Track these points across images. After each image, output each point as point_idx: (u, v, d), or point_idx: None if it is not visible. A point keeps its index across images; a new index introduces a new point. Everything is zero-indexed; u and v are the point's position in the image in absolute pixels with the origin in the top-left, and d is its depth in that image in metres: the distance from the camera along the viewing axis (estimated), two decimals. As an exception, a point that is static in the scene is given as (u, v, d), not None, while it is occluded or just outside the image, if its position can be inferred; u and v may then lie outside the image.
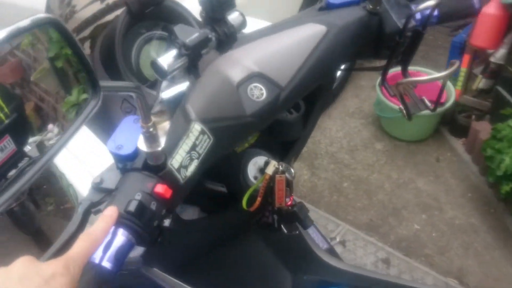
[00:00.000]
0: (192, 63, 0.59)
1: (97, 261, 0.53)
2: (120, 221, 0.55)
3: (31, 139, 0.63)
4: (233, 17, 0.64)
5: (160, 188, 0.57)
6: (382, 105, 2.43)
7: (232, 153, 0.85)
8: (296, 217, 0.89)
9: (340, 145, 2.53)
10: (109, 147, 0.59)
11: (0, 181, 0.53)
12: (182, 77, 0.61)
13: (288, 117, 0.92)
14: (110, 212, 0.55)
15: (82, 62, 0.49)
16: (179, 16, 0.92)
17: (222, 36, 0.62)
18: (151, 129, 0.53)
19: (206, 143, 0.63)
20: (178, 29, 0.57)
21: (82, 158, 1.03)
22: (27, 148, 0.59)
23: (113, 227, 0.55)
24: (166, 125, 0.59)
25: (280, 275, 1.06)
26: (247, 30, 0.93)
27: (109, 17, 0.97)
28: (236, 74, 0.71)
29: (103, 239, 0.53)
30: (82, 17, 0.99)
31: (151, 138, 0.54)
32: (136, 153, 0.59)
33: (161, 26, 0.91)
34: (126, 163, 0.60)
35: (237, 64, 0.72)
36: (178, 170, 0.60)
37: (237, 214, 0.92)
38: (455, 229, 2.08)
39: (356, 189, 2.29)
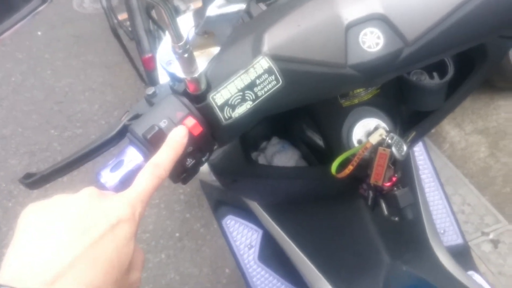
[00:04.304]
0: None
1: (103, 181, 0.49)
2: (136, 143, 0.49)
3: None
4: None
5: (190, 122, 0.48)
6: None
7: (336, 105, 0.71)
8: (394, 202, 0.73)
9: (541, 132, 2.08)
10: (159, 59, 0.52)
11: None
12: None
13: (426, 82, 0.73)
14: (178, 136, 0.48)
15: None
16: None
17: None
18: (180, 51, 0.44)
19: (270, 85, 0.52)
20: None
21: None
22: None
23: (128, 146, 0.50)
24: (213, 50, 0.49)
25: (376, 256, 0.92)
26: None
27: None
28: (351, 11, 0.56)
29: (170, 170, 0.47)
30: None
31: (183, 61, 0.45)
32: None
33: None
34: (175, 82, 0.52)
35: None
36: (221, 108, 0.50)
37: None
38: None
39: (539, 189, 1.89)
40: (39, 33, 2.90)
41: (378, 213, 0.78)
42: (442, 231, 1.24)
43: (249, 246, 1.19)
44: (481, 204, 1.85)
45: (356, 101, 0.71)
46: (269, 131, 0.92)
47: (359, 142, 0.73)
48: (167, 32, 0.48)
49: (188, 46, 0.44)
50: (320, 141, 0.79)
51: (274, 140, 0.91)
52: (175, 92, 0.51)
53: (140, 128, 0.49)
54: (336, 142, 0.74)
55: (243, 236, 1.20)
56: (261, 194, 0.88)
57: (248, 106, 0.51)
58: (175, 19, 0.42)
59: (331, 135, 0.74)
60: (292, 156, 0.88)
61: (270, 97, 0.52)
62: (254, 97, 0.51)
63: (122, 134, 0.53)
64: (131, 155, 0.49)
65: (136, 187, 0.44)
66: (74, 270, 0.37)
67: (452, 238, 1.25)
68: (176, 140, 0.48)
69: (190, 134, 0.48)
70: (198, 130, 0.49)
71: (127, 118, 0.54)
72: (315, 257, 0.96)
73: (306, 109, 0.75)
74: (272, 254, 1.19)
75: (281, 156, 0.88)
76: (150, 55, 1.42)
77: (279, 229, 1.01)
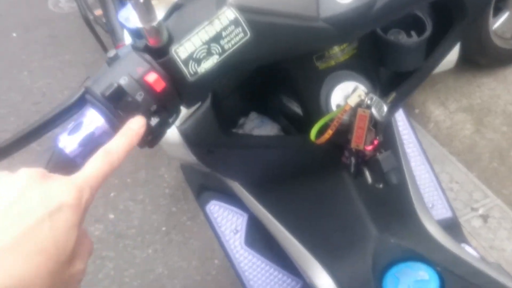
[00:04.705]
0: None
1: (61, 145, 0.45)
2: (95, 103, 0.45)
3: None
4: None
5: (152, 78, 0.45)
6: None
7: (313, 68, 0.68)
8: (377, 167, 0.71)
9: (524, 106, 2.07)
10: (120, 16, 0.49)
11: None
12: None
13: (404, 40, 0.70)
14: (135, 125, 0.45)
15: None
16: None
17: None
18: (135, -6, 0.41)
19: (238, 38, 0.49)
20: None
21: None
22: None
23: (88, 107, 0.46)
24: (171, -3, 0.46)
25: (364, 230, 0.90)
26: None
27: None
28: (320, -41, 0.53)
29: (124, 158, 0.44)
30: None
31: (139, 8, 0.42)
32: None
33: None
34: (135, 39, 0.49)
35: None
36: (186, 62, 0.47)
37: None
38: None
39: (526, 163, 1.88)
40: (14, 34, 2.84)
41: (363, 184, 0.76)
42: (430, 205, 1.22)
43: (234, 231, 1.16)
44: (469, 181, 1.84)
45: (332, 62, 0.68)
46: (247, 107, 0.89)
47: (338, 107, 0.70)
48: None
49: (144, -10, 0.41)
50: (298, 109, 0.77)
51: (253, 116, 0.88)
52: (135, 49, 0.48)
53: (98, 86, 0.45)
54: (314, 108, 0.71)
55: (228, 221, 1.17)
56: (240, 169, 0.85)
57: (215, 61, 0.48)
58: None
59: (309, 101, 0.71)
60: (271, 130, 0.85)
61: (238, 50, 0.49)
62: (220, 50, 0.48)
63: (84, 99, 0.50)
64: (91, 117, 0.46)
65: (85, 171, 0.41)
66: (0, 260, 0.34)
67: (442, 212, 1.24)
68: (132, 128, 0.45)
69: (153, 90, 0.45)
70: (161, 85, 0.45)
71: (88, 85, 0.51)
72: (302, 236, 0.94)
73: (283, 75, 0.73)
74: (259, 238, 1.16)
75: (260, 130, 0.85)
76: (124, 43, 1.38)
77: (263, 210, 0.98)
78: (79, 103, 0.50)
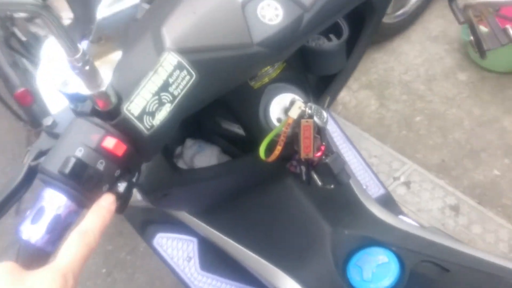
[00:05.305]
0: None
1: (26, 237, 0.41)
2: (52, 182, 0.42)
3: None
4: None
5: (110, 143, 0.42)
6: (471, 28, 2.08)
7: (246, 88, 0.69)
8: (328, 170, 0.73)
9: (417, 74, 2.24)
10: (53, 85, 0.45)
11: None
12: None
13: (326, 45, 0.73)
14: (106, 202, 0.43)
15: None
16: None
17: None
18: (79, 64, 0.38)
19: (185, 81, 0.47)
20: None
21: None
22: None
23: (44, 188, 0.43)
24: (115, 56, 0.44)
25: (317, 228, 0.92)
26: None
27: None
28: (242, -13, 0.53)
29: (100, 238, 0.42)
30: None
31: (85, 75, 0.39)
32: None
33: None
34: (77, 104, 0.46)
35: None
36: (140, 118, 0.45)
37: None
38: (543, 178, 1.81)
39: (429, 125, 2.03)
40: None
41: (309, 187, 0.78)
42: (365, 187, 1.28)
43: (187, 258, 1.13)
44: (386, 153, 1.95)
45: (266, 79, 0.69)
46: (181, 134, 0.87)
47: (279, 120, 0.71)
48: (43, 56, 0.42)
49: (87, 57, 0.38)
50: (239, 130, 0.76)
51: (189, 142, 0.86)
52: (80, 114, 0.45)
53: (52, 164, 0.42)
54: (256, 127, 0.71)
55: (179, 250, 1.14)
56: (194, 202, 0.83)
57: (168, 109, 0.47)
58: (64, 29, 0.36)
59: (249, 120, 0.72)
60: (212, 153, 0.84)
61: (188, 93, 0.48)
62: (171, 98, 0.47)
63: (30, 178, 0.46)
64: (51, 198, 0.42)
65: (65, 257, 0.39)
66: None
67: (375, 190, 1.30)
68: (103, 206, 0.43)
69: (114, 156, 0.43)
70: (122, 149, 0.43)
71: (31, 159, 0.47)
72: (259, 248, 0.94)
73: (219, 100, 0.72)
74: (214, 260, 1.14)
75: (201, 156, 0.84)
76: (22, 89, 1.28)
77: (215, 232, 0.97)
78: (26, 183, 0.46)
